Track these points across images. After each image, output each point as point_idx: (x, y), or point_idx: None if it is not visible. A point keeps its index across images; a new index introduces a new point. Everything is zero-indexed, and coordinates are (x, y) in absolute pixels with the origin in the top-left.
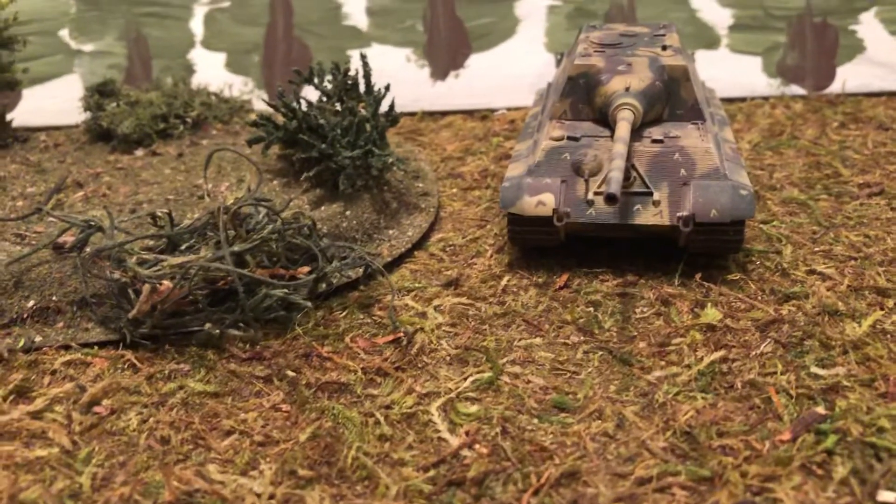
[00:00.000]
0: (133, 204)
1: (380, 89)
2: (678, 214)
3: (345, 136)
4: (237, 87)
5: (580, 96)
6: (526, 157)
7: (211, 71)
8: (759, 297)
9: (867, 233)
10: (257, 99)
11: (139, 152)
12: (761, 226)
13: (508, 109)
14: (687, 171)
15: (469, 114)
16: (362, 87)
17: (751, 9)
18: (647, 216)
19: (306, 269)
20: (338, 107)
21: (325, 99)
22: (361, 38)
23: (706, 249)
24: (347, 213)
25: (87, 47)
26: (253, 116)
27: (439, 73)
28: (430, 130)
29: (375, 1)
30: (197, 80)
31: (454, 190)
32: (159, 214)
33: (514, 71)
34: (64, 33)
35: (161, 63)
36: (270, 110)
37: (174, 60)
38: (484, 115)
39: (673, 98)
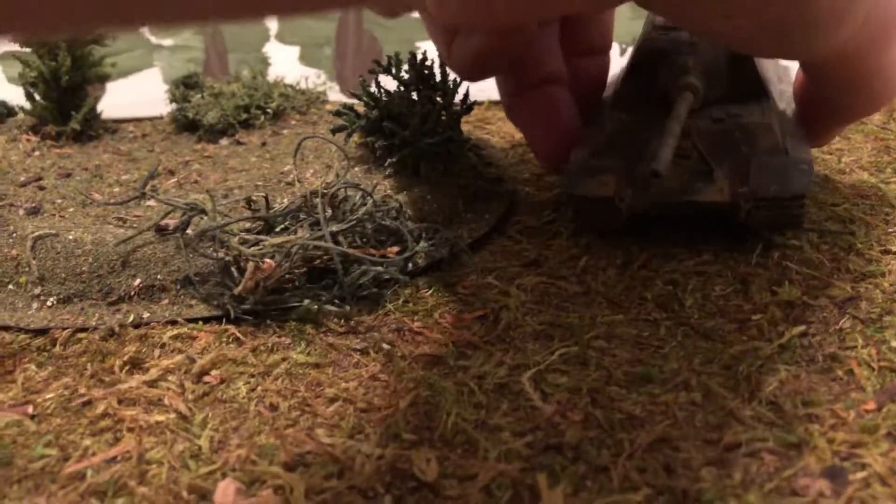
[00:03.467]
0: (224, 190)
1: (454, 79)
2: (739, 190)
3: (423, 123)
4: (311, 79)
5: (643, 80)
6: (590, 141)
7: (285, 64)
8: (836, 276)
9: None
10: (331, 90)
11: (224, 141)
12: (833, 208)
13: None
14: (747, 148)
15: None
16: (438, 77)
17: None
18: (708, 193)
19: (396, 248)
20: (414, 96)
21: (402, 88)
22: None
23: (768, 225)
24: (428, 197)
25: (167, 42)
26: (329, 107)
27: None
28: (497, 119)
29: None
30: (272, 73)
31: (526, 175)
32: (255, 199)
33: None
34: (144, 28)
35: (237, 56)
36: (350, 100)
37: (249, 54)
38: None
39: (737, 76)
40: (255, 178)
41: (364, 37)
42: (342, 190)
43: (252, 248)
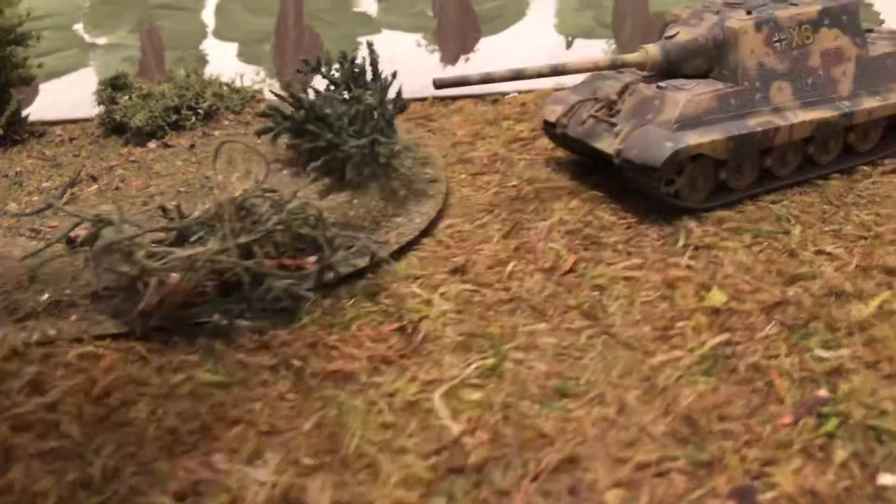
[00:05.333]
0: (145, 197)
1: (386, 77)
2: (617, 148)
3: (352, 124)
4: (249, 76)
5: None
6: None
7: (223, 61)
8: (766, 279)
9: (879, 211)
10: (269, 88)
11: (152, 144)
12: (771, 206)
13: (519, 93)
14: (652, 116)
15: (480, 98)
16: (369, 76)
17: None
18: (603, 143)
19: (312, 259)
20: (346, 95)
21: (332, 88)
22: (371, 24)
23: (635, 183)
24: (355, 201)
25: (102, 40)
26: (264, 106)
27: (449, 57)
28: (440, 115)
29: None
30: (210, 71)
31: (463, 176)
32: (168, 207)
33: (524, 54)
34: (79, 27)
35: (174, 54)
36: (280, 100)
37: (187, 51)
38: (495, 98)
39: (722, 58)
40: (178, 183)
41: (304, 32)
42: (258, 198)
43: (157, 263)
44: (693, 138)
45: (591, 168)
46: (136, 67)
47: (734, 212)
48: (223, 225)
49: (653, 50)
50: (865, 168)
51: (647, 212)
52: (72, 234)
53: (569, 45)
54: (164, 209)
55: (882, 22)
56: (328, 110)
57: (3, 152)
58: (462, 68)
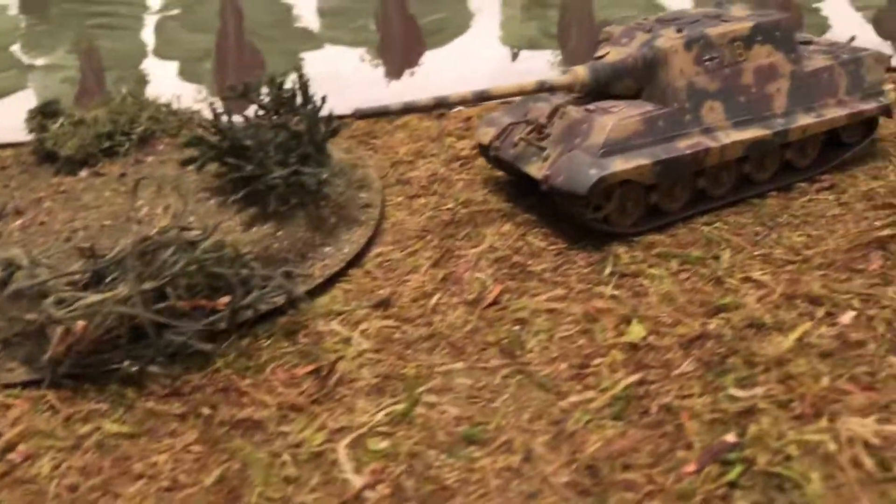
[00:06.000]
0: (69, 231)
1: (317, 101)
2: (544, 174)
3: (278, 152)
4: (190, 95)
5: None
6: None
7: (164, 80)
8: (688, 310)
9: (811, 232)
10: (210, 107)
11: (83, 173)
12: (703, 227)
13: (464, 107)
14: (579, 141)
15: (425, 113)
16: (300, 100)
17: None
18: (532, 167)
19: (225, 300)
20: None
21: (262, 113)
22: (314, 39)
23: (562, 210)
24: (279, 233)
25: (39, 62)
26: (201, 129)
27: (394, 72)
28: (384, 132)
29: (326, 1)
30: (151, 90)
31: (400, 198)
32: (83, 247)
33: (469, 67)
34: (16, 48)
35: (114, 74)
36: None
37: (127, 71)
38: (440, 112)
39: (652, 78)
40: (104, 215)
41: (245, 49)
42: (175, 232)
43: (63, 311)
44: (619, 164)
45: (527, 189)
46: (75, 88)
47: (665, 235)
48: (128, 271)
49: (581, 72)
50: (803, 185)
51: (577, 237)
52: None
53: (514, 56)
54: (82, 250)
55: (829, 28)
56: (248, 141)
57: None
58: (407, 82)
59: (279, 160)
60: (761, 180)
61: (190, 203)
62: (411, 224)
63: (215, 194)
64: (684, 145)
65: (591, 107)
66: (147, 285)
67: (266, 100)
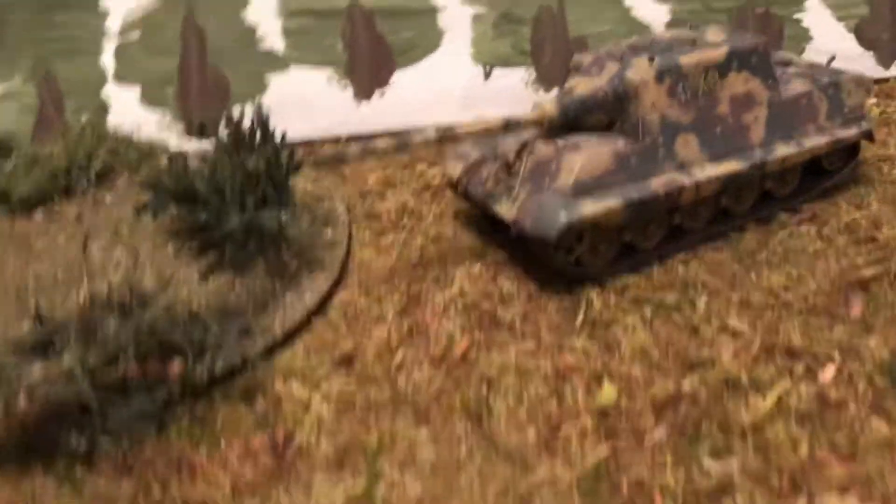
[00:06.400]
0: (21, 283)
1: (276, 136)
2: (512, 217)
3: (235, 195)
4: (153, 121)
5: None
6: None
7: (126, 107)
8: (663, 366)
9: (791, 271)
10: (174, 133)
11: (38, 215)
12: (679, 266)
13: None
14: (549, 182)
15: (397, 135)
16: (259, 136)
17: (689, 2)
18: (502, 207)
19: (178, 367)
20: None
21: (220, 152)
22: (279, 61)
23: (532, 253)
24: (237, 283)
25: None
26: (162, 164)
27: (363, 92)
28: (353, 157)
29: (291, 20)
30: (112, 118)
31: (367, 234)
32: (35, 311)
33: (440, 86)
34: None
35: (74, 102)
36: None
37: (87, 98)
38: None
39: (623, 112)
40: (58, 265)
41: (209, 73)
42: (124, 291)
43: (2, 388)
44: (588, 207)
45: (498, 223)
46: (34, 118)
47: (640, 276)
48: (73, 340)
49: (549, 107)
50: (784, 215)
51: (549, 279)
52: None
53: (487, 74)
54: (37, 314)
55: (810, 39)
56: (199, 186)
57: None
58: (377, 103)
59: (237, 204)
60: (739, 212)
61: (143, 253)
62: (378, 265)
63: (173, 238)
64: (657, 184)
65: (560, 142)
66: (92, 357)
67: (224, 138)
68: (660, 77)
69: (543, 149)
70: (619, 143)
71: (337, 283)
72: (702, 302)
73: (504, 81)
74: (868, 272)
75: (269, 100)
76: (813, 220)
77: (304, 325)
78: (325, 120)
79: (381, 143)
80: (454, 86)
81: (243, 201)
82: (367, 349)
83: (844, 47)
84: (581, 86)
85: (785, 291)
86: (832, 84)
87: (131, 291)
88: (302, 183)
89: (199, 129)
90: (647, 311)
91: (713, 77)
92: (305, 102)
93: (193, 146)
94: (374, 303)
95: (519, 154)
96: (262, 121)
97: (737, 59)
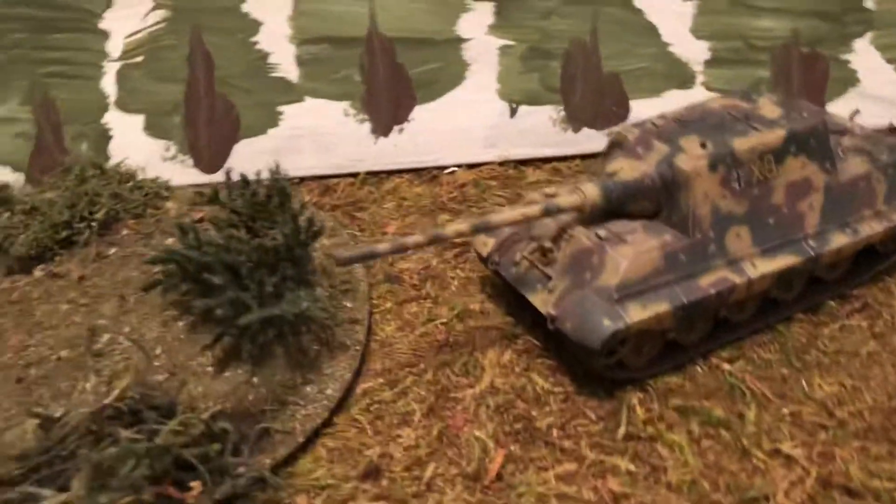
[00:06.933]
0: (22, 365)
1: (295, 207)
2: (549, 310)
3: (252, 278)
4: (158, 152)
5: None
6: None
7: (129, 135)
8: (710, 499)
9: (843, 380)
10: (182, 167)
11: (38, 272)
12: (725, 366)
13: (458, 167)
14: (590, 277)
15: (416, 173)
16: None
17: (730, 40)
18: (537, 297)
19: (197, 491)
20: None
21: (236, 221)
22: (292, 91)
23: (574, 354)
24: (255, 379)
25: None
26: (170, 205)
27: (381, 128)
28: (371, 200)
29: (305, 49)
30: (114, 147)
31: (388, 304)
32: (37, 413)
33: (463, 123)
34: None
35: (74, 129)
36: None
37: (87, 125)
38: (433, 174)
39: (672, 201)
40: (61, 342)
41: (218, 102)
42: (136, 402)
43: None
44: (635, 312)
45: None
46: (31, 145)
47: (683, 377)
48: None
49: (591, 191)
50: (833, 304)
51: (586, 375)
52: None
53: (513, 112)
54: (35, 415)
55: (858, 82)
56: (217, 278)
57: None
58: (395, 139)
59: (255, 286)
60: (787, 300)
61: (152, 332)
62: (402, 345)
63: (185, 313)
64: (707, 283)
65: (601, 232)
66: (104, 499)
67: (239, 203)
68: (713, 166)
69: (583, 238)
70: (667, 238)
71: (359, 370)
72: (751, 414)
73: (531, 119)
74: None
75: (281, 132)
76: (864, 310)
77: (326, 422)
78: (339, 156)
79: (412, 240)
80: (478, 123)
81: (261, 281)
82: (394, 458)
83: (891, 91)
84: (626, 170)
85: (839, 406)
86: (892, 164)
87: (143, 400)
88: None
89: (212, 195)
90: (694, 426)
91: (769, 163)
92: (320, 136)
93: (196, 178)
94: (399, 397)
95: (556, 240)
96: (280, 188)
97: (795, 143)
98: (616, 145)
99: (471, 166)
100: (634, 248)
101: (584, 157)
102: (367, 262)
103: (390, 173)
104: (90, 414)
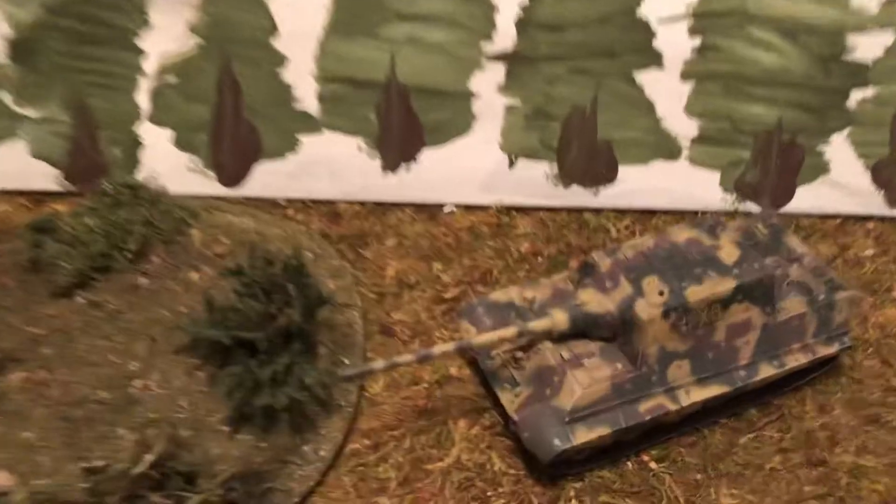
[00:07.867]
0: (67, 403)
1: (310, 287)
2: (512, 415)
3: (267, 350)
4: (184, 164)
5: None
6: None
7: (159, 146)
8: None
9: (745, 495)
10: (204, 179)
11: (79, 298)
12: (651, 465)
13: (457, 206)
14: (549, 394)
15: (418, 209)
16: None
17: (719, 121)
18: (504, 396)
19: None
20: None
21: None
22: (312, 124)
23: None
24: (263, 444)
25: (31, 113)
26: (195, 232)
27: (390, 165)
28: (373, 235)
29: (327, 87)
30: (146, 156)
31: (380, 360)
32: (87, 467)
33: (465, 167)
34: (6, 96)
35: (108, 134)
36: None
37: (121, 133)
38: (433, 213)
39: (626, 335)
40: (100, 382)
41: (243, 125)
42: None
43: None
44: (581, 434)
45: None
46: (69, 144)
47: (615, 472)
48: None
49: (560, 317)
50: (754, 412)
51: (535, 463)
52: None
53: (511, 163)
54: (87, 470)
55: (828, 172)
56: (236, 367)
57: None
58: (403, 177)
59: (268, 371)
60: (715, 407)
61: (178, 382)
62: (388, 406)
63: (206, 363)
64: (645, 409)
65: (565, 353)
66: None
67: (256, 277)
68: (666, 314)
69: (549, 354)
70: (618, 366)
71: (350, 430)
72: None
73: (527, 172)
74: None
75: (298, 158)
76: (779, 420)
77: (319, 482)
78: (350, 185)
79: (404, 359)
80: (479, 169)
81: (275, 367)
82: None
83: (856, 182)
84: (592, 303)
85: None
86: (827, 304)
87: (170, 464)
88: (322, 272)
89: (235, 268)
90: None
91: (716, 309)
92: (334, 166)
93: (217, 190)
94: (380, 462)
95: (526, 349)
96: (298, 266)
97: (742, 293)
98: (588, 267)
99: (468, 207)
100: (589, 376)
101: (569, 210)
102: (367, 376)
103: (394, 205)
104: (131, 476)
